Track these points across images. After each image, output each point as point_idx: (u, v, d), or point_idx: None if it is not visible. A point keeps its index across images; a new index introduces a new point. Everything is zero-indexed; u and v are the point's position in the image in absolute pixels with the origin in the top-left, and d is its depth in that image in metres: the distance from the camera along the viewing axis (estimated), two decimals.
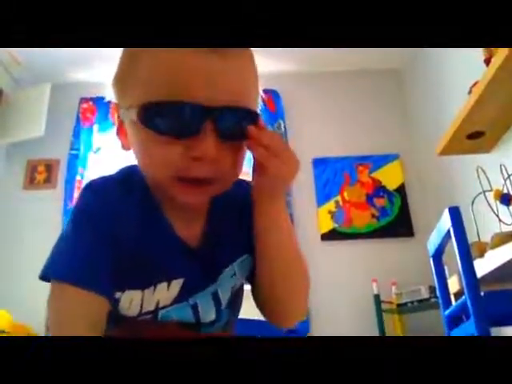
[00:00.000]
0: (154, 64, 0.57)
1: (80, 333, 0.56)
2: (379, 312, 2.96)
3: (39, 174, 3.65)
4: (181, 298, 0.66)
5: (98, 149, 3.66)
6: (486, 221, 1.71)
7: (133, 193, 0.66)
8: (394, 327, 3.01)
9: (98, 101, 3.79)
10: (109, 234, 0.61)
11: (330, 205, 3.43)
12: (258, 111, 0.63)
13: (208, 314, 0.68)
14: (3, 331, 2.81)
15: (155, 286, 0.65)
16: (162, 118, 0.56)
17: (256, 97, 0.63)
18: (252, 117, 0.60)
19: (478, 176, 1.67)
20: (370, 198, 3.46)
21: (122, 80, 0.64)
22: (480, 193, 1.64)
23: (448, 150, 2.26)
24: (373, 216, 3.42)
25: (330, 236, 3.33)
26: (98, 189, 0.65)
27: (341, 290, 3.20)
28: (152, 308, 0.65)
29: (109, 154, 3.64)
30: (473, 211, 1.66)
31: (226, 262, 0.70)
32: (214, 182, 0.60)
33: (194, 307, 0.67)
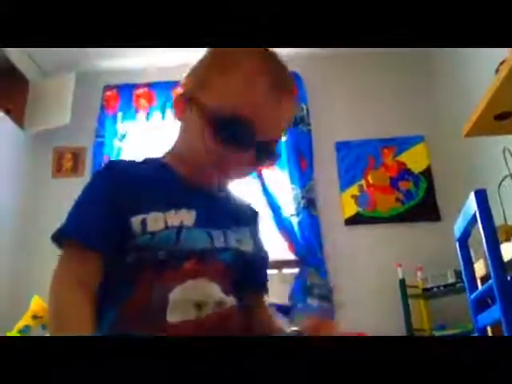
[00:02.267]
0: (237, 86, 0.75)
1: (70, 286, 0.70)
2: (405, 297, 2.93)
3: (66, 162, 3.72)
4: (198, 224, 0.78)
5: (123, 136, 3.70)
6: None
7: (148, 163, 0.87)
8: (420, 312, 2.99)
9: (122, 88, 3.83)
10: (120, 189, 0.76)
11: (354, 189, 3.41)
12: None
13: (218, 241, 0.79)
14: (37, 316, 2.90)
15: (176, 210, 0.76)
16: (228, 132, 0.74)
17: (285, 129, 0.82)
18: (279, 154, 0.83)
19: (505, 158, 1.63)
20: (394, 182, 3.42)
21: (206, 79, 0.79)
22: (507, 175, 1.60)
23: (474, 132, 2.20)
24: (397, 200, 3.38)
25: (354, 220, 3.31)
26: (115, 161, 0.79)
27: (365, 275, 3.19)
28: (177, 224, 0.75)
29: (133, 141, 3.69)
30: (499, 194, 1.62)
31: (232, 218, 0.85)
32: (231, 175, 0.82)
33: (209, 234, 0.78)
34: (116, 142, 3.68)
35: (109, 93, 3.83)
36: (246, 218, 0.89)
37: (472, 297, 1.54)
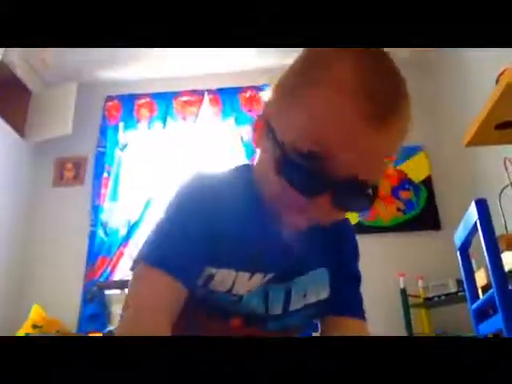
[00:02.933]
0: (316, 111, 0.56)
1: (159, 317, 0.57)
2: (406, 306, 2.92)
3: (68, 172, 3.73)
4: (261, 285, 0.69)
5: (125, 146, 3.72)
6: None
7: (238, 185, 0.70)
8: (421, 321, 2.98)
9: (123, 99, 3.85)
10: (209, 221, 0.64)
11: None
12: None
13: (275, 308, 0.70)
14: (37, 325, 2.89)
15: (250, 275, 0.67)
16: (294, 172, 0.58)
17: (383, 171, 0.64)
18: (369, 195, 0.61)
19: (506, 167, 1.63)
20: (395, 191, 3.43)
21: (281, 98, 0.62)
22: (507, 185, 1.60)
23: (475, 141, 2.20)
24: (398, 209, 3.38)
25: (355, 230, 3.29)
26: (204, 177, 0.69)
27: (367, 284, 3.15)
28: (242, 292, 0.67)
29: (135, 151, 3.70)
30: (500, 203, 1.63)
31: (307, 267, 0.73)
32: (312, 217, 0.63)
33: (266, 296, 0.69)
34: (117, 152, 3.70)
35: (110, 103, 3.86)
36: (330, 255, 0.76)
37: (473, 306, 1.54)
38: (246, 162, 3.56)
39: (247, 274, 0.66)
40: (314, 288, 0.73)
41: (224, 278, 0.65)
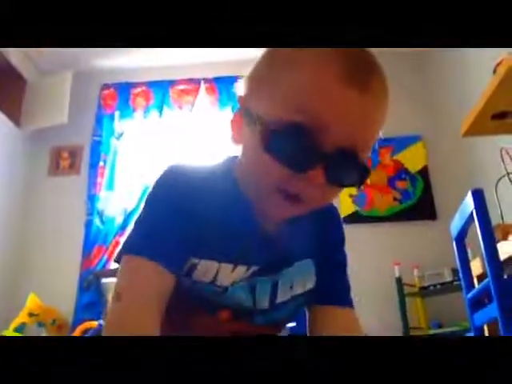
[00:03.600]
0: (294, 82, 0.56)
1: (149, 302, 0.58)
2: (401, 295, 2.95)
3: (63, 161, 3.72)
4: (246, 278, 0.68)
5: (120, 135, 3.70)
6: (509, 203, 1.69)
7: (216, 174, 0.69)
8: (416, 310, 3.00)
9: (119, 87, 3.82)
10: (185, 211, 0.63)
11: (351, 188, 3.41)
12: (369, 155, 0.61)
13: (262, 301, 0.69)
14: (33, 314, 2.90)
15: (233, 267, 0.66)
16: (281, 146, 0.56)
17: (374, 141, 0.61)
18: (363, 167, 0.59)
19: (502, 158, 1.64)
20: (391, 181, 3.43)
21: (257, 83, 0.62)
22: (504, 175, 1.61)
23: (472, 131, 2.21)
24: (395, 199, 3.39)
25: (352, 219, 3.32)
26: (179, 168, 0.68)
27: (363, 273, 3.19)
28: (225, 284, 0.66)
29: (131, 140, 3.69)
30: (496, 193, 1.63)
31: (293, 258, 0.71)
32: (306, 201, 0.60)
33: (253, 289, 0.69)
34: (113, 141, 3.68)
35: (106, 91, 3.83)
36: (316, 245, 0.74)
37: (469, 295, 1.55)
38: None
39: (230, 266, 0.66)
40: (301, 279, 0.72)
41: (207, 269, 0.65)
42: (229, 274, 0.66)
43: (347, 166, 0.58)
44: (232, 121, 0.66)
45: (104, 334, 0.56)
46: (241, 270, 0.67)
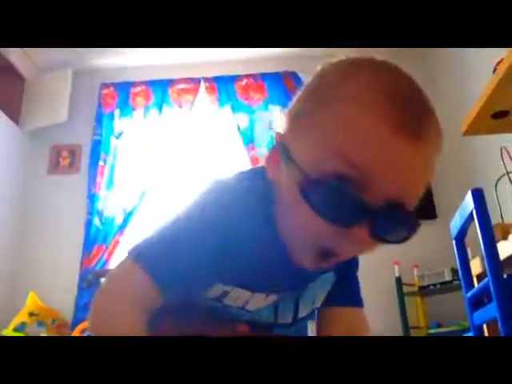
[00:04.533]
0: (341, 128, 0.50)
1: (132, 311, 0.56)
2: (401, 294, 2.94)
3: (63, 159, 3.72)
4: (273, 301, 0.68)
5: (120, 134, 3.70)
6: (509, 202, 1.69)
7: (256, 205, 0.62)
8: (416, 310, 3.00)
9: (119, 86, 3.82)
10: (220, 243, 0.59)
11: None
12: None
13: (285, 317, 0.69)
14: (33, 313, 2.90)
15: (267, 295, 0.65)
16: (323, 198, 0.50)
17: (422, 191, 0.55)
18: (413, 222, 0.54)
19: (502, 157, 1.64)
20: None
21: (298, 121, 0.55)
22: (504, 174, 1.61)
23: (472, 130, 2.21)
24: None
25: None
26: (223, 192, 0.62)
27: (362, 272, 3.17)
28: (255, 308, 0.66)
29: (130, 139, 3.68)
30: (496, 193, 1.63)
31: (317, 275, 0.69)
32: (341, 256, 0.57)
33: (276, 307, 0.68)
34: (113, 140, 3.68)
35: (106, 90, 3.83)
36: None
37: (468, 295, 1.54)
38: (244, 151, 3.55)
39: (263, 295, 0.65)
40: (323, 291, 0.72)
41: (239, 296, 0.64)
42: (260, 302, 0.66)
43: (395, 222, 0.52)
44: (268, 157, 0.59)
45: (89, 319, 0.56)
46: (273, 297, 0.66)
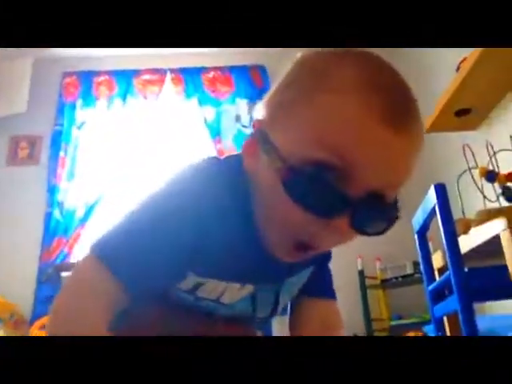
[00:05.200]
0: (324, 113, 0.48)
1: (90, 308, 0.52)
2: (363, 287, 3.00)
3: (22, 150, 3.59)
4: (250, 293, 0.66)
5: (82, 124, 3.60)
6: (471, 198, 1.73)
7: (230, 195, 0.59)
8: (378, 302, 3.06)
9: (81, 75, 3.72)
10: (192, 234, 0.57)
11: None
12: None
13: (264, 310, 0.68)
14: None
15: (242, 286, 0.63)
16: (304, 187, 0.48)
17: (403, 185, 0.54)
18: (392, 214, 0.54)
19: (465, 153, 1.67)
20: None
21: (279, 108, 0.54)
22: (466, 170, 1.64)
23: (436, 127, 2.26)
24: None
25: None
26: (192, 180, 0.59)
27: None
28: (231, 301, 0.64)
29: (93, 130, 3.59)
30: (458, 188, 1.67)
31: (297, 270, 0.68)
32: (318, 248, 0.56)
33: (254, 300, 0.66)
34: (75, 131, 3.58)
35: (68, 80, 3.72)
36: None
37: (430, 288, 1.58)
38: (211, 144, 3.52)
39: (237, 285, 0.63)
40: (301, 284, 0.71)
41: (214, 288, 0.62)
42: (235, 293, 0.64)
43: (376, 214, 0.52)
44: (245, 146, 0.57)
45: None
46: (248, 288, 0.64)
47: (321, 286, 0.75)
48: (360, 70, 0.50)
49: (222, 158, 0.65)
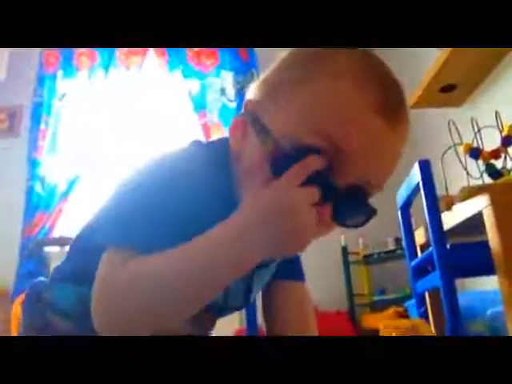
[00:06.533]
0: (319, 98, 0.48)
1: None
2: (346, 263, 3.03)
3: (1, 123, 3.50)
4: None
5: (63, 95, 3.52)
6: (454, 174, 1.73)
7: (213, 176, 0.56)
8: (361, 278, 3.10)
9: None
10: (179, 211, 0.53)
11: None
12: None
13: (236, 300, 0.67)
14: None
15: None
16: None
17: (388, 179, 0.54)
18: (371, 209, 0.54)
19: (450, 130, 1.67)
20: None
21: (273, 90, 0.53)
22: (450, 146, 1.64)
23: (421, 103, 2.26)
24: None
25: None
26: (184, 162, 0.57)
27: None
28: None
29: (74, 101, 3.51)
30: (442, 165, 1.67)
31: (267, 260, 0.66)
32: None
33: (225, 289, 0.63)
34: (56, 102, 3.50)
35: (48, 50, 3.61)
36: None
37: (412, 264, 1.59)
38: (195, 117, 3.47)
39: None
40: (273, 269, 0.72)
41: None
42: None
43: (356, 207, 0.52)
44: (234, 125, 0.56)
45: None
46: None
47: (292, 269, 0.76)
48: (358, 60, 0.51)
49: (207, 142, 0.64)
